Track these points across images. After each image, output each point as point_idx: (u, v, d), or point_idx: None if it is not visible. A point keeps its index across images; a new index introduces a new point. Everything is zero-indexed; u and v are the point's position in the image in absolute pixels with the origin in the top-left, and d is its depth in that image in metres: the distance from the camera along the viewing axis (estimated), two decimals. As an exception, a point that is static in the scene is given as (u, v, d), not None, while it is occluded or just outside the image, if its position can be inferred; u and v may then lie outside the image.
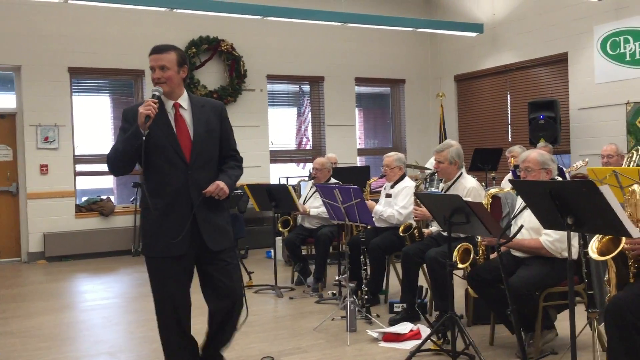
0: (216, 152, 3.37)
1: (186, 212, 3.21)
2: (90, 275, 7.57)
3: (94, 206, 8.95)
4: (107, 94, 9.61)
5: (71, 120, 8.80)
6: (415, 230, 5.14)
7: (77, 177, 8.93)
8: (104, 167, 9.26)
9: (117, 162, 3.25)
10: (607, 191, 2.69)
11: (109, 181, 9.65)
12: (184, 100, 3.31)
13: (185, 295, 3.32)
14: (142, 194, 3.33)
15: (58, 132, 8.64)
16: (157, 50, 3.23)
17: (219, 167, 3.39)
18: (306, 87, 10.66)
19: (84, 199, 9.05)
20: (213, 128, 3.33)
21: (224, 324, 3.41)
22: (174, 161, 3.21)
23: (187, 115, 3.29)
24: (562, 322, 4.04)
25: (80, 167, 8.97)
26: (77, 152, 8.88)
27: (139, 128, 3.09)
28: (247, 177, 9.25)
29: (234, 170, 3.41)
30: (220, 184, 3.25)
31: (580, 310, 3.86)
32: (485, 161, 8.55)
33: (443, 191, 4.96)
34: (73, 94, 8.90)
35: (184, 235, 3.16)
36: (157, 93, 3.19)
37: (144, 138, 3.08)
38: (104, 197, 9.12)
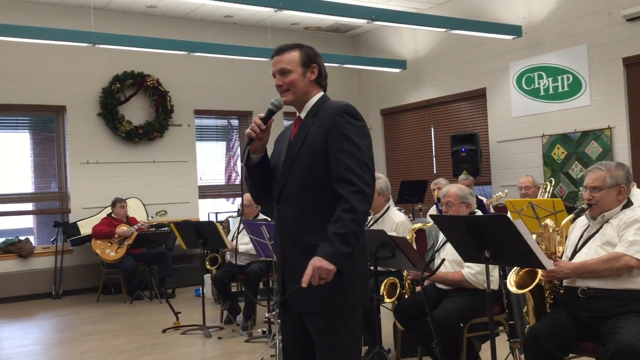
0: (316, 178, 2.44)
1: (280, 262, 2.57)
2: (8, 321, 7.18)
3: (12, 248, 8.53)
4: (27, 131, 9.28)
5: (-13, 158, 8.44)
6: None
7: (-6, 218, 8.54)
8: (23, 206, 9.10)
9: None
10: (520, 225, 2.81)
11: (28, 221, 9.25)
12: (305, 110, 2.60)
13: None
14: None
15: (-27, 170, 8.27)
16: (277, 51, 2.57)
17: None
18: (235, 122, 10.64)
19: (0, 240, 8.63)
20: (311, 143, 2.46)
21: None
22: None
23: None
24: (486, 352, 4.11)
25: (-4, 207, 8.59)
26: (-7, 192, 8.50)
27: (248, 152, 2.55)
28: (175, 214, 9.24)
29: (337, 224, 2.29)
30: (314, 266, 2.26)
31: (503, 340, 3.97)
32: (411, 193, 8.73)
33: (370, 223, 5.03)
34: (-11, 130, 8.55)
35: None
36: (271, 107, 2.51)
37: (243, 164, 2.58)
38: (22, 237, 8.72)
